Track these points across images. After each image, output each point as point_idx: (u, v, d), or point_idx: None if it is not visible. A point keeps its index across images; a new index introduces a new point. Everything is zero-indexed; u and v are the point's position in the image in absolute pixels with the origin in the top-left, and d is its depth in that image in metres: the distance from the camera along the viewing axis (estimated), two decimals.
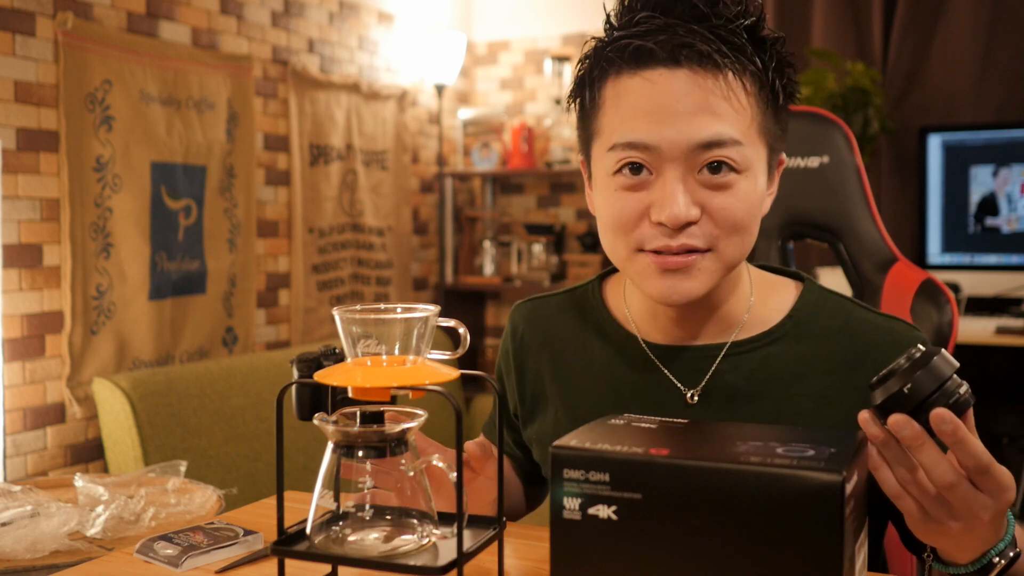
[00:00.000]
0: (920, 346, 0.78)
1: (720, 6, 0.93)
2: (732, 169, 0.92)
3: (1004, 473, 0.77)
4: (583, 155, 1.04)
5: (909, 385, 0.75)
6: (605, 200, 0.98)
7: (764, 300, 1.05)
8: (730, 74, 0.92)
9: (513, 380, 1.16)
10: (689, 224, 0.93)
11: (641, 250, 0.95)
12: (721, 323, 1.04)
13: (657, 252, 0.94)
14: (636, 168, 0.94)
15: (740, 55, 0.92)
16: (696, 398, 1.02)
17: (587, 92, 0.99)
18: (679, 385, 1.03)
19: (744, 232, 0.95)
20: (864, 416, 0.77)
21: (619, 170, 0.95)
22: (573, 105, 1.03)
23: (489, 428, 1.24)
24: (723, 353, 1.02)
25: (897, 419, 0.75)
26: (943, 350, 0.77)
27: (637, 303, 1.08)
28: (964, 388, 0.76)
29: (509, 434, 1.22)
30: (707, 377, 1.03)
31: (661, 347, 1.05)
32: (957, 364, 0.76)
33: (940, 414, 0.73)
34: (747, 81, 0.93)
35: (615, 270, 1.14)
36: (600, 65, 0.97)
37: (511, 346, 1.17)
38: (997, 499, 0.77)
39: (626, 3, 0.96)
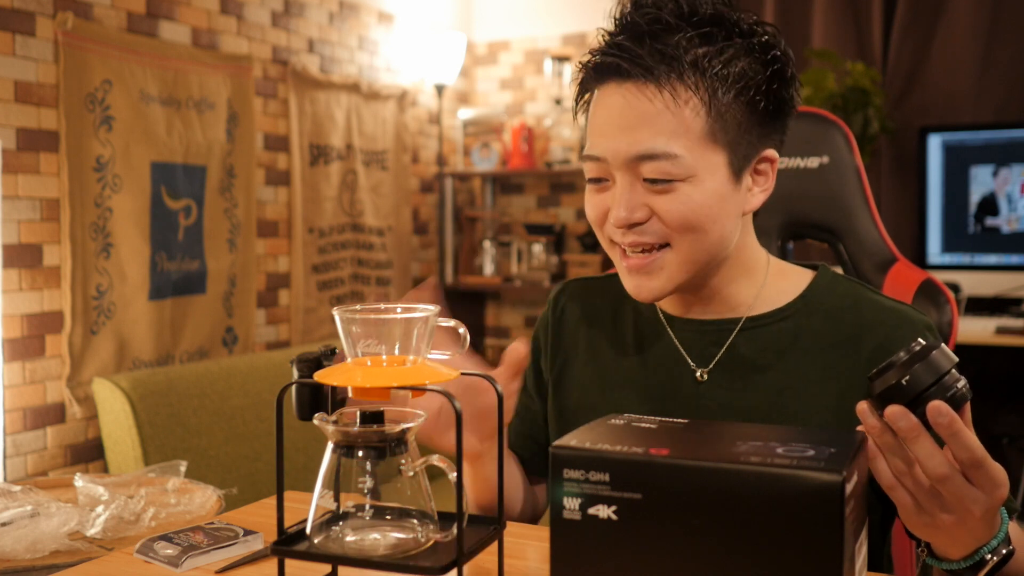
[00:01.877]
0: (920, 340, 0.79)
1: (684, 17, 0.99)
2: (670, 180, 1.00)
3: (997, 469, 0.78)
4: None
5: (907, 377, 0.76)
6: (586, 200, 1.09)
7: (776, 283, 1.11)
8: (674, 86, 0.98)
9: (550, 344, 1.22)
10: (637, 224, 1.01)
11: (612, 242, 1.06)
12: (728, 305, 1.10)
13: (624, 250, 1.04)
14: (597, 178, 1.05)
15: (682, 66, 0.98)
16: (712, 367, 1.09)
17: (581, 107, 1.10)
18: (698, 355, 1.10)
19: (699, 231, 1.01)
20: (862, 407, 0.79)
21: (589, 178, 1.06)
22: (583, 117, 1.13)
23: (511, 430, 1.27)
24: (739, 327, 1.09)
25: (894, 410, 0.76)
26: (943, 344, 0.78)
27: None
28: (962, 383, 0.77)
29: (542, 408, 1.23)
30: (723, 349, 1.09)
31: (684, 321, 1.12)
32: (956, 359, 0.77)
33: (937, 407, 0.74)
34: (693, 91, 0.98)
35: None
36: (581, 82, 1.08)
37: (551, 316, 1.24)
38: (989, 494, 0.78)
39: (615, 18, 1.05)
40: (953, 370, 0.77)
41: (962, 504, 0.78)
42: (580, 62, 1.06)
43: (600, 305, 1.21)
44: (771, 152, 1.06)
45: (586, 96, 1.07)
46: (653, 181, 1.00)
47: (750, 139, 1.02)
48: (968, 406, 0.78)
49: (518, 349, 0.99)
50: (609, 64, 1.01)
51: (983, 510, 0.78)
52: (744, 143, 1.02)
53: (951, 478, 0.77)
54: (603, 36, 1.05)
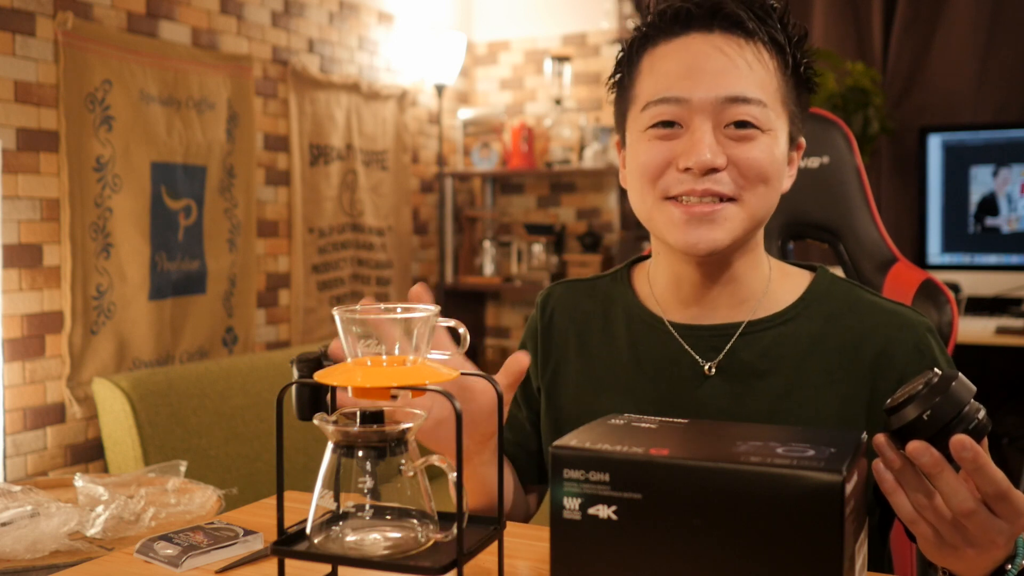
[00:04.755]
0: (937, 370, 0.77)
1: None
2: (756, 127, 0.99)
3: (1020, 498, 0.76)
4: (619, 131, 1.11)
5: (928, 412, 0.74)
6: (635, 154, 1.04)
7: (779, 283, 1.10)
8: (759, 42, 1.00)
9: (539, 353, 1.20)
10: (715, 171, 0.98)
11: (667, 198, 1.01)
12: (737, 297, 1.08)
13: (682, 201, 1.00)
14: (667, 123, 1.01)
15: (768, 27, 1.00)
16: (713, 371, 1.07)
17: (626, 67, 1.07)
18: (698, 360, 1.07)
19: (769, 184, 1.01)
20: (880, 440, 0.77)
21: (652, 126, 1.02)
22: (612, 88, 1.10)
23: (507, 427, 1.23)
24: (739, 331, 1.06)
25: (916, 446, 0.74)
26: (960, 374, 0.76)
27: (661, 279, 1.12)
28: (982, 413, 0.75)
29: (529, 416, 1.22)
30: (723, 354, 1.07)
31: (681, 325, 1.10)
32: (975, 388, 0.75)
33: (961, 441, 0.72)
34: (773, 52, 1.01)
35: (643, 258, 1.20)
36: (640, 38, 1.05)
37: (539, 322, 1.21)
38: (1013, 523, 0.77)
39: None
40: (973, 400, 0.75)
41: (987, 536, 0.77)
42: (657, 9, 1.03)
43: (589, 308, 1.18)
44: (803, 140, 1.09)
45: (644, 51, 1.04)
46: (740, 125, 0.98)
47: (801, 116, 1.06)
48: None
49: (520, 360, 0.96)
50: (701, 10, 1.00)
51: (1006, 539, 0.78)
52: (798, 119, 1.05)
53: (976, 512, 0.75)
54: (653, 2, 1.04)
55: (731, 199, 0.99)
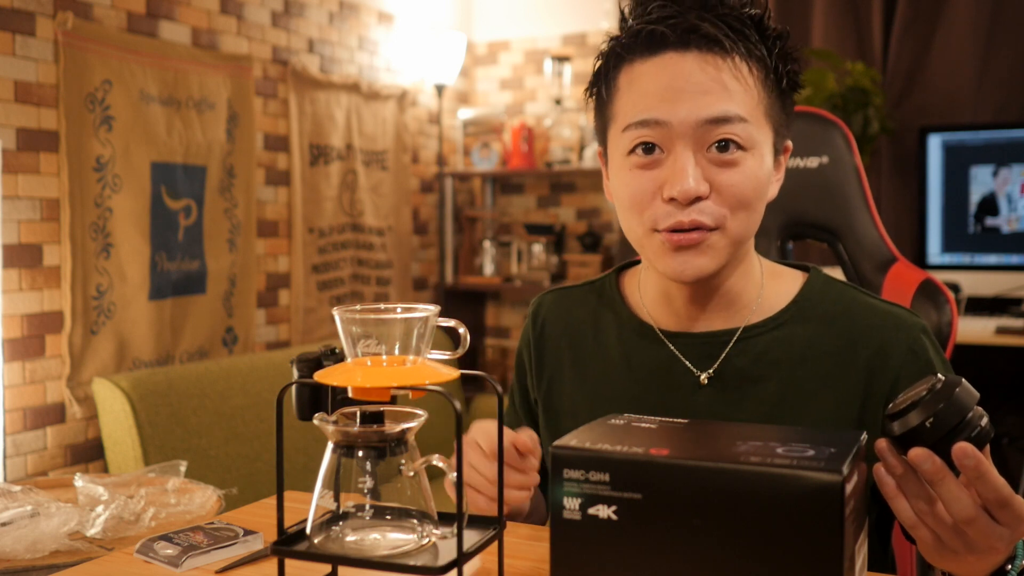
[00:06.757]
0: (940, 376, 0.76)
1: None
2: (739, 147, 0.98)
3: (1022, 504, 0.76)
4: (600, 144, 1.10)
5: (931, 419, 0.73)
6: (620, 181, 1.03)
7: (772, 286, 1.09)
8: (737, 57, 0.98)
9: (533, 365, 1.20)
10: (699, 199, 0.97)
11: (655, 230, 1.00)
12: (731, 307, 1.07)
13: (670, 231, 0.99)
14: (648, 148, 0.99)
15: (746, 41, 0.98)
16: (707, 380, 1.06)
17: (603, 82, 1.06)
18: (692, 368, 1.07)
19: (750, 209, 1.00)
20: (881, 445, 0.77)
21: (632, 150, 1.01)
22: (590, 98, 1.09)
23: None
24: (734, 339, 1.06)
25: (918, 453, 0.74)
26: (964, 380, 0.75)
27: (651, 290, 1.12)
28: (985, 420, 0.74)
29: (529, 427, 1.22)
30: (717, 362, 1.06)
31: (674, 333, 1.09)
32: (978, 395, 0.75)
33: (963, 448, 0.72)
34: (753, 65, 0.99)
35: (632, 263, 1.20)
36: (615, 55, 1.03)
37: (532, 334, 1.21)
38: (1014, 530, 0.77)
39: None
40: (976, 407, 0.74)
41: (987, 542, 0.76)
42: (631, 28, 1.01)
43: (580, 316, 1.17)
44: (790, 142, 1.08)
45: (620, 68, 1.02)
46: (723, 148, 0.96)
47: (786, 123, 1.05)
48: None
49: (526, 443, 0.97)
50: (675, 31, 0.97)
51: (1007, 545, 0.78)
52: (783, 126, 1.04)
53: (977, 519, 0.75)
54: (631, 12, 1.02)
55: (716, 228, 0.99)
